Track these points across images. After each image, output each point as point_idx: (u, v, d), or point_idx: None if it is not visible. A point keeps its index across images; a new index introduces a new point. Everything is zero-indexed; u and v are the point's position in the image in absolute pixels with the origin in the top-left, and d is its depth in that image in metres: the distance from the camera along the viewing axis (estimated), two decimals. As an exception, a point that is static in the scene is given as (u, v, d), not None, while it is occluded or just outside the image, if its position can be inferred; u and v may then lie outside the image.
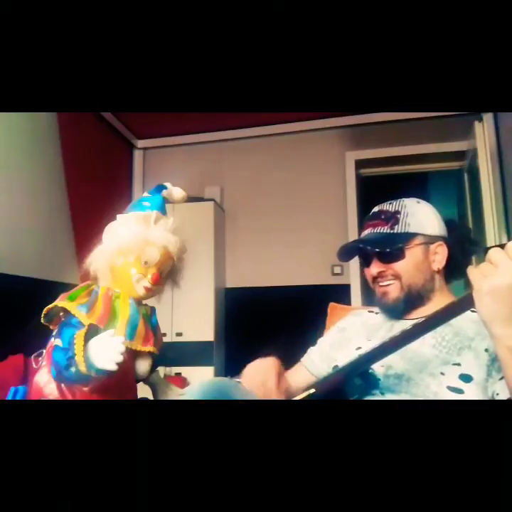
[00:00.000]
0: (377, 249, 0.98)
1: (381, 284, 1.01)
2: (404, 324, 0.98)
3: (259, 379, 0.94)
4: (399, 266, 0.98)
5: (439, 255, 0.99)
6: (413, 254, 0.97)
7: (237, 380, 0.94)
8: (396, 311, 1.00)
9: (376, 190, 2.72)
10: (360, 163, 3.37)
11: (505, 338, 0.69)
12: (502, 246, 0.68)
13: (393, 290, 0.99)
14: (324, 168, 3.37)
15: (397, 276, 0.98)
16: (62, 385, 1.03)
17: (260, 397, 0.92)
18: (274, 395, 0.92)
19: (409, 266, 0.97)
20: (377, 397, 0.89)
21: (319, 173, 3.37)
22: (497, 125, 2.76)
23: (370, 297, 1.07)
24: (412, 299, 0.98)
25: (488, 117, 2.77)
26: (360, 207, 3.27)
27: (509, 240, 2.64)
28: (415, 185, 3.60)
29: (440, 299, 0.97)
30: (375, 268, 1.00)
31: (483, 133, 2.73)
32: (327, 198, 3.33)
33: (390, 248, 0.97)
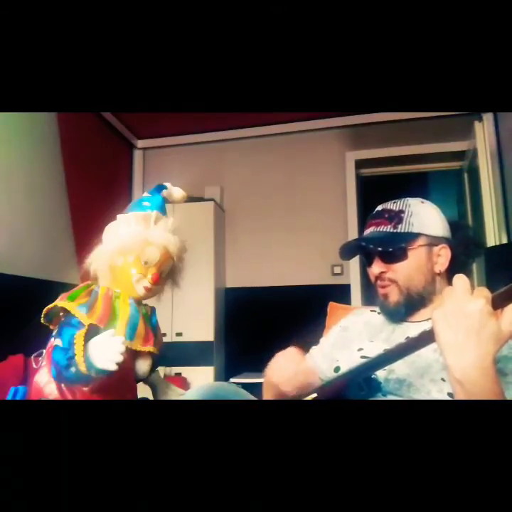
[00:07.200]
0: (379, 249, 0.96)
1: (380, 286, 1.00)
2: (406, 327, 0.97)
3: (288, 372, 0.94)
4: (400, 267, 0.96)
5: (443, 258, 0.98)
6: (416, 255, 0.96)
7: (236, 381, 0.94)
8: (398, 313, 0.99)
9: (376, 190, 2.72)
10: (360, 163, 3.36)
11: (453, 369, 0.65)
12: (500, 248, 0.67)
13: (393, 293, 0.98)
14: (324, 168, 3.37)
15: (396, 279, 0.97)
16: (62, 385, 1.03)
17: (286, 392, 0.92)
18: (298, 390, 0.91)
19: (411, 268, 0.96)
20: (378, 398, 0.88)
21: (319, 173, 3.37)
22: (497, 125, 2.76)
23: (370, 297, 1.06)
24: (413, 302, 0.97)
25: (488, 117, 2.76)
26: (360, 207, 3.27)
27: (509, 239, 2.62)
28: (415, 185, 3.60)
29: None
30: (377, 267, 0.99)
31: (483, 133, 2.73)
32: (327, 198, 3.33)
33: (392, 247, 0.95)
